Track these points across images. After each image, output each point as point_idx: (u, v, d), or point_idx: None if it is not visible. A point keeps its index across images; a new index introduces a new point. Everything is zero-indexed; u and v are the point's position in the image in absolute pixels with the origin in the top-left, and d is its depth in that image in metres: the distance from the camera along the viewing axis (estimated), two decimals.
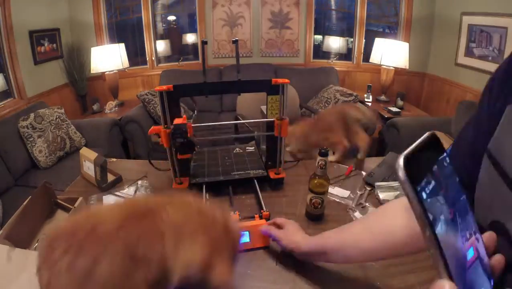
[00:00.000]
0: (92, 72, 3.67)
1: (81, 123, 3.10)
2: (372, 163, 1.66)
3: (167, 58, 4.48)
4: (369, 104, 3.75)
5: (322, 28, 4.37)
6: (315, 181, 1.14)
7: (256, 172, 1.39)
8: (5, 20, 2.89)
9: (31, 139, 2.55)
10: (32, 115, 2.62)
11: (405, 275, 0.97)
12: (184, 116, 1.25)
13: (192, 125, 1.23)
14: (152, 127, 1.25)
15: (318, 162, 1.10)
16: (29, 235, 1.09)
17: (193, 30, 4.38)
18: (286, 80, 1.24)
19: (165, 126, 1.22)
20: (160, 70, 4.10)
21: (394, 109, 3.47)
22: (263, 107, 1.37)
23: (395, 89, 3.99)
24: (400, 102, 3.60)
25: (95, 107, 3.66)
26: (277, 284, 0.96)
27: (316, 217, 1.21)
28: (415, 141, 0.33)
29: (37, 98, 3.18)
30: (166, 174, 1.46)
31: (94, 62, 3.58)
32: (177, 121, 1.22)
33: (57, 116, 2.79)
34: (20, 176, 2.52)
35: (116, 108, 3.72)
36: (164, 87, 1.15)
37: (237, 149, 1.55)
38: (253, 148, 1.55)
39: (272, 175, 1.39)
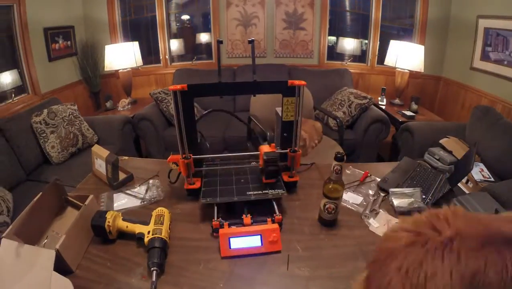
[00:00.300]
0: (105, 69, 3.69)
1: (94, 120, 3.11)
2: (386, 167, 1.63)
3: (181, 57, 4.48)
4: (383, 107, 3.70)
5: (336, 29, 4.32)
6: (330, 186, 1.11)
7: (275, 193, 1.24)
8: (20, 17, 2.91)
9: (44, 134, 2.57)
10: (45, 111, 2.63)
11: None
12: (273, 144, 1.31)
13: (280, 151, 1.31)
14: (170, 156, 1.28)
15: (334, 167, 1.08)
16: (38, 232, 1.09)
17: (206, 29, 4.38)
18: (303, 82, 1.22)
19: (183, 156, 1.24)
20: (173, 69, 4.11)
21: (408, 113, 3.41)
22: (278, 109, 1.34)
23: (409, 92, 3.93)
24: (414, 106, 3.53)
25: (108, 104, 3.68)
26: None
27: (330, 222, 1.19)
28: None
29: (50, 94, 3.21)
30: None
31: (108, 59, 3.60)
32: (264, 148, 1.27)
33: (70, 113, 2.81)
34: (32, 171, 2.53)
35: (129, 106, 3.73)
36: (178, 87, 1.14)
37: (254, 163, 1.46)
38: None
39: (285, 178, 1.37)
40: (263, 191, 1.24)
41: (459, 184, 1.39)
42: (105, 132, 3.05)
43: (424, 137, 2.79)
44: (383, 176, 1.52)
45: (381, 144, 3.41)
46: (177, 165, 1.27)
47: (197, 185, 1.31)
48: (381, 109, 3.59)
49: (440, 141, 2.61)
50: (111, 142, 2.96)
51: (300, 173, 1.51)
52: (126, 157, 1.73)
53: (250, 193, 1.24)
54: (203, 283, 0.96)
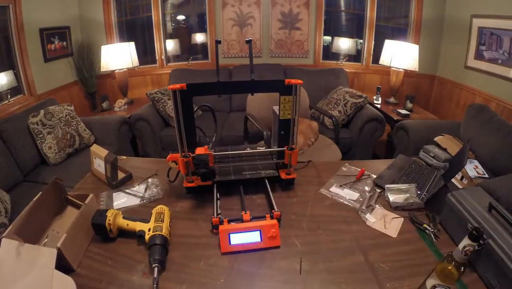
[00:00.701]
0: (102, 70, 3.68)
1: (90, 120, 3.11)
2: (381, 165, 1.65)
3: (176, 57, 4.48)
4: (378, 106, 3.72)
5: (331, 29, 4.35)
6: (449, 267, 0.83)
7: (267, 172, 1.39)
8: (16, 18, 2.91)
9: (41, 135, 2.57)
10: (42, 111, 2.63)
11: (414, 277, 0.96)
12: (206, 146, 1.31)
13: (214, 153, 1.31)
14: (169, 155, 1.29)
15: (465, 247, 0.82)
16: (39, 231, 1.10)
17: (202, 29, 4.38)
18: (299, 81, 1.24)
19: (183, 154, 1.26)
20: (169, 69, 4.11)
21: (403, 111, 3.44)
22: (276, 107, 1.36)
23: (404, 91, 3.97)
24: (409, 105, 3.56)
25: (104, 105, 3.67)
26: (288, 284, 0.96)
27: None
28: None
29: (46, 95, 3.20)
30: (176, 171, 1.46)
31: (104, 60, 3.59)
32: (199, 150, 1.27)
33: (67, 113, 2.81)
34: (29, 172, 2.53)
35: (126, 106, 3.73)
36: (178, 86, 1.15)
37: (248, 148, 1.54)
38: (263, 148, 1.55)
39: (283, 175, 1.39)
40: (257, 171, 1.40)
41: (454, 181, 1.41)
42: (102, 132, 3.04)
43: (419, 135, 2.81)
44: (379, 173, 1.55)
45: (377, 143, 3.44)
46: (176, 164, 1.28)
47: (196, 183, 1.33)
48: (376, 108, 3.62)
49: (435, 139, 2.63)
50: (108, 142, 2.95)
51: (297, 170, 1.53)
52: (125, 157, 1.74)
53: (245, 173, 1.39)
54: (204, 279, 0.97)
